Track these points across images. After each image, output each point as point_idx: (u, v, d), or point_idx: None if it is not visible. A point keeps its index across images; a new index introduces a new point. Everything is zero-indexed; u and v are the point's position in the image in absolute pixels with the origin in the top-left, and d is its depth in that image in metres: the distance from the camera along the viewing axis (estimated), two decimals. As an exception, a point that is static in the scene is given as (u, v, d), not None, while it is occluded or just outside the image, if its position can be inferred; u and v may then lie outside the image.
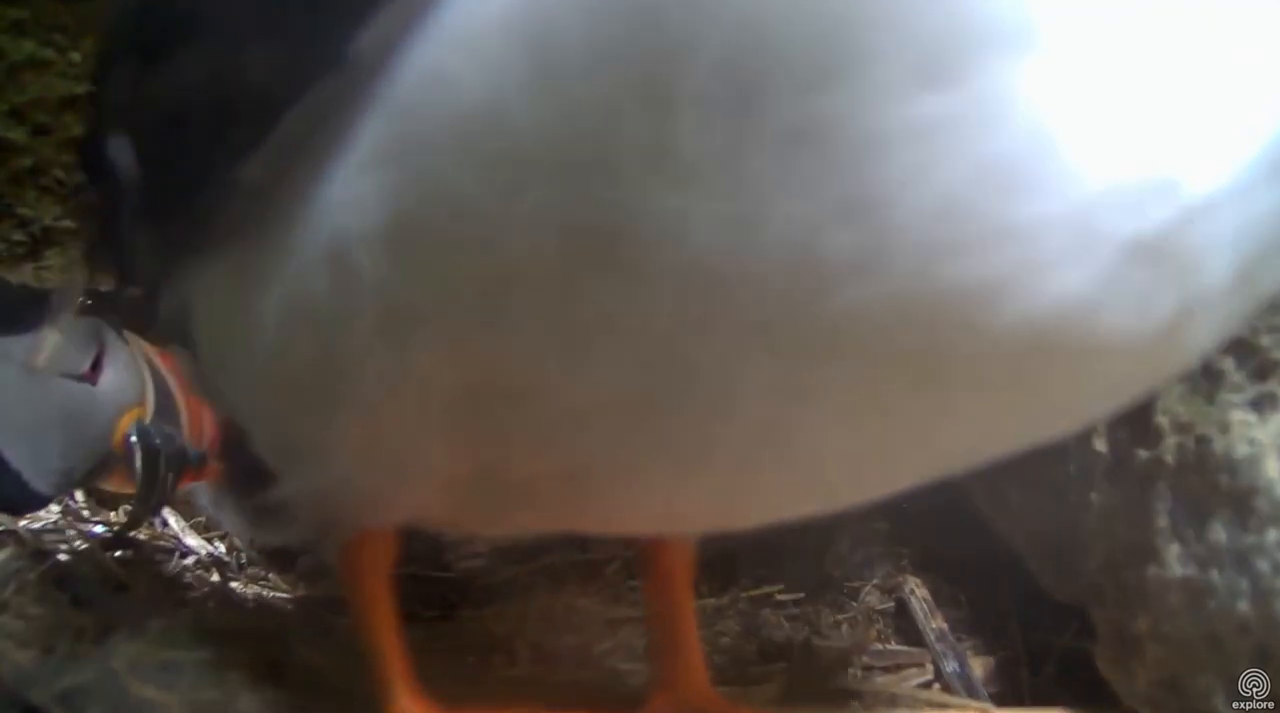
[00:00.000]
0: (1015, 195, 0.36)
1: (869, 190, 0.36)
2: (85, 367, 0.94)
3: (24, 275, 1.16)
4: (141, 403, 0.96)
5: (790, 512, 0.56)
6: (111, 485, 0.99)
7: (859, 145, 0.35)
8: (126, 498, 1.04)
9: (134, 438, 0.91)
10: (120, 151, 0.53)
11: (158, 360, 1.00)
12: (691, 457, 0.46)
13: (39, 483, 0.91)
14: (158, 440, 0.91)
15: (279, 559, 0.99)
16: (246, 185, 0.44)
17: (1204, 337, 0.43)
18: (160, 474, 0.90)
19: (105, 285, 1.00)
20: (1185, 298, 0.40)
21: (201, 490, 1.04)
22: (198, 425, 0.98)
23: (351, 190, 0.41)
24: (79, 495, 1.08)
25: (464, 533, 0.91)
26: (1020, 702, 0.81)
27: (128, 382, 0.96)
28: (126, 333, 1.00)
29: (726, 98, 0.35)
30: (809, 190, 0.36)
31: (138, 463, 0.90)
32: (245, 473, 0.98)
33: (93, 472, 0.95)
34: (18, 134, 1.13)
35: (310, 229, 0.43)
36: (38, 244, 1.17)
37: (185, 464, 0.93)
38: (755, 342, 0.40)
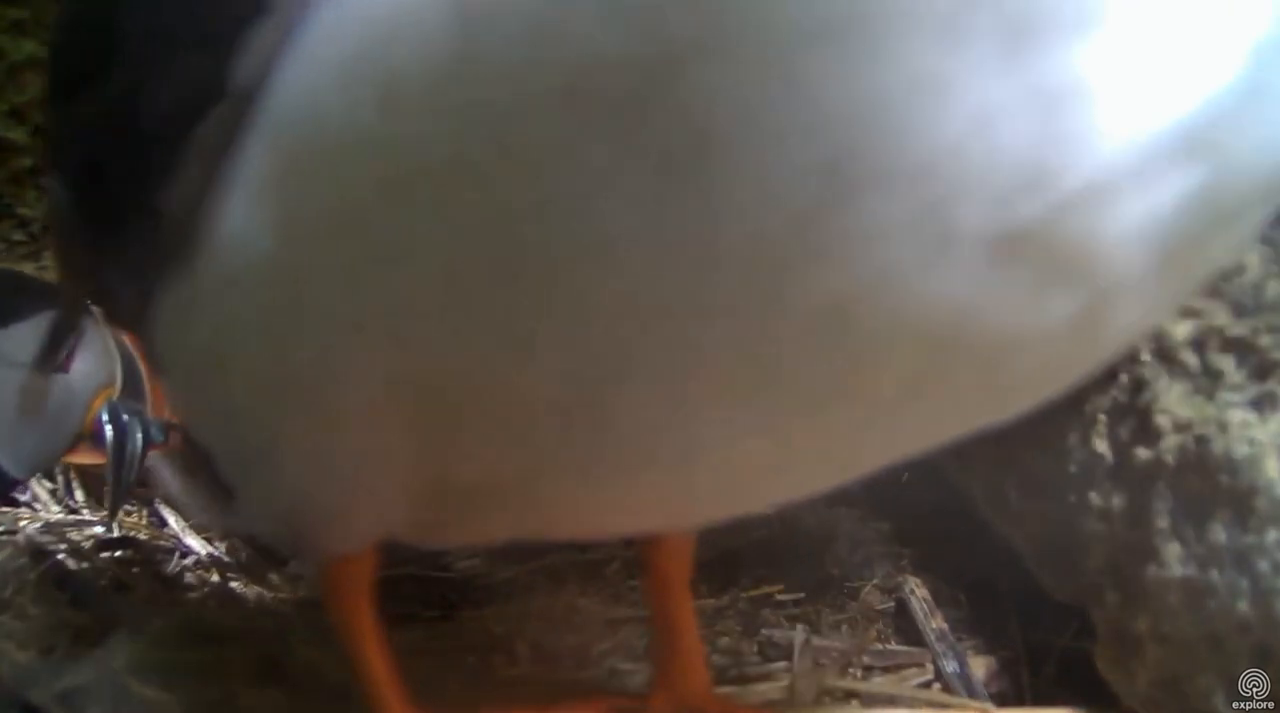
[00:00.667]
0: (858, 197, 0.34)
1: (723, 203, 0.35)
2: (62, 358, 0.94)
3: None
4: (111, 383, 0.97)
5: (728, 510, 0.56)
6: (76, 458, 1.00)
7: (701, 157, 0.34)
8: (127, 498, 1.04)
9: (105, 418, 0.91)
10: (59, 190, 0.55)
11: (125, 338, 1.00)
12: (637, 455, 0.46)
13: (15, 469, 0.92)
14: (126, 418, 0.91)
15: (276, 557, 0.99)
16: (170, 213, 0.46)
17: (1129, 322, 0.42)
18: (129, 453, 0.91)
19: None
20: (1090, 289, 0.38)
21: (170, 479, 1.04)
22: (162, 398, 0.99)
23: (247, 218, 0.43)
24: (79, 495, 1.08)
25: (436, 544, 0.91)
26: (1020, 702, 0.81)
27: (100, 364, 0.98)
28: (95, 310, 1.01)
29: (571, 99, 0.35)
30: (681, 201, 0.35)
31: (108, 443, 0.90)
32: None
33: (60, 455, 0.95)
34: (18, 134, 1.13)
35: (220, 253, 0.44)
36: (38, 244, 1.18)
37: (150, 438, 0.94)
38: (674, 353, 0.40)
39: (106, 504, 0.97)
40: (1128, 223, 0.37)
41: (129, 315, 0.57)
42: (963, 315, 0.38)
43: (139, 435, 0.91)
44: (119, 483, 0.90)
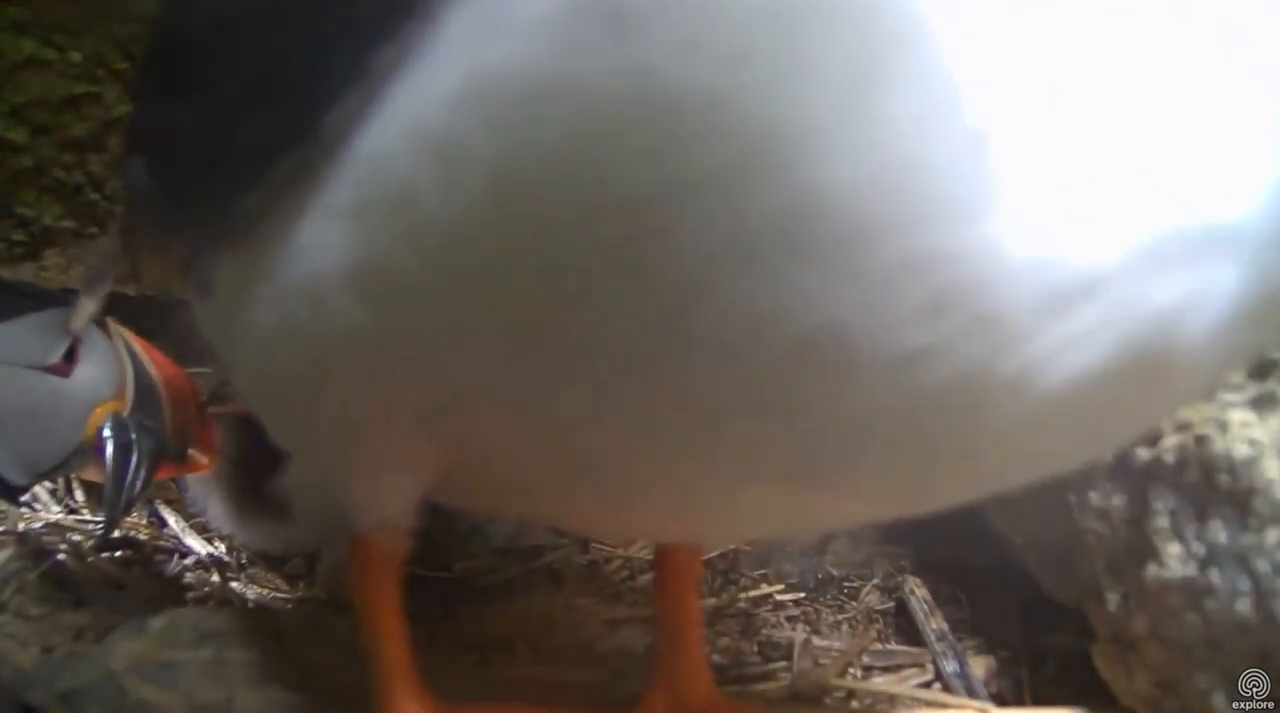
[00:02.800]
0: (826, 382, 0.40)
1: (689, 339, 0.41)
2: (56, 358, 0.92)
3: (24, 276, 1.16)
4: (120, 396, 0.95)
5: (737, 534, 0.59)
6: (89, 475, 0.98)
7: (675, 304, 0.40)
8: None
9: (106, 433, 0.90)
10: (140, 171, 0.59)
11: (141, 351, 0.99)
12: (645, 473, 0.50)
13: (9, 473, 0.90)
14: (133, 435, 0.90)
15: (272, 560, 0.99)
16: (245, 212, 0.50)
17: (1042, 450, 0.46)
18: (131, 470, 0.90)
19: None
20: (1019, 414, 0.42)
21: (191, 484, 1.04)
22: (182, 419, 0.97)
23: (318, 239, 0.47)
24: (79, 495, 1.08)
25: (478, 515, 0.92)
26: (1020, 702, 0.81)
27: (105, 375, 0.95)
28: (111, 324, 1.00)
29: (578, 228, 0.40)
30: (645, 327, 0.41)
31: (108, 458, 0.89)
32: (245, 470, 0.98)
33: (65, 463, 0.94)
34: (18, 134, 1.13)
35: (292, 262, 0.48)
36: (38, 244, 1.17)
37: (161, 457, 0.93)
38: (655, 418, 0.45)
39: (104, 518, 0.97)
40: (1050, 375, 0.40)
41: (198, 278, 0.60)
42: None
43: (143, 452, 0.90)
44: (114, 500, 0.89)
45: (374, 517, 0.58)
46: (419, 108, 0.42)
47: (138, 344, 0.98)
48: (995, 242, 0.37)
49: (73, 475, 1.08)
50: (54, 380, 0.91)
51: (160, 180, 0.58)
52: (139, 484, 0.89)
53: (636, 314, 0.41)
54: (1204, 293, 0.39)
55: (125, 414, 0.91)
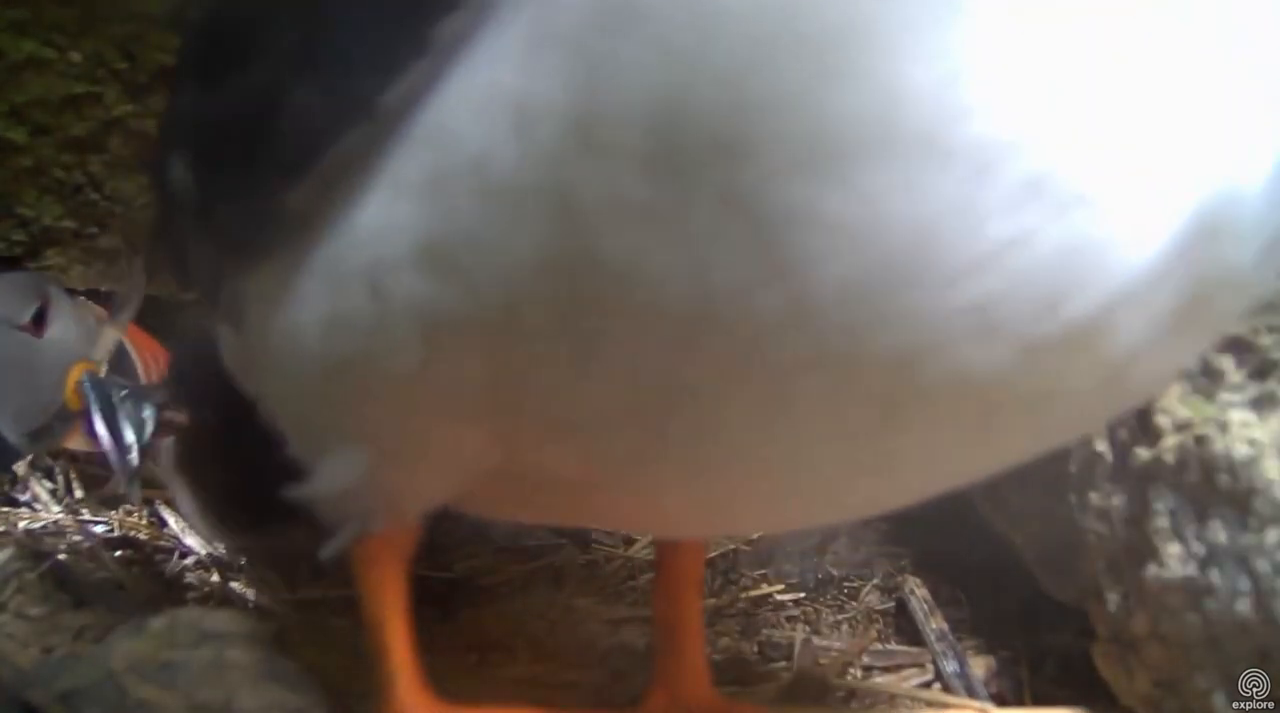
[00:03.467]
0: (909, 287, 0.40)
1: (785, 262, 0.40)
2: (25, 319, 0.93)
3: (23, 276, 1.16)
4: (93, 358, 0.96)
5: (779, 524, 0.62)
6: (72, 444, 0.98)
7: (771, 220, 0.39)
8: (126, 498, 1.04)
9: (87, 387, 0.90)
10: (180, 170, 0.58)
11: (132, 338, 1.00)
12: (689, 469, 0.50)
13: (6, 431, 0.91)
14: (123, 393, 0.90)
15: (275, 565, 0.99)
16: (293, 206, 0.49)
17: (1153, 376, 0.47)
18: (121, 419, 0.90)
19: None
20: (1109, 360, 0.43)
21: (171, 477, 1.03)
22: (154, 378, 0.98)
23: (383, 219, 0.46)
24: (79, 495, 1.08)
25: (488, 517, 0.92)
26: (1020, 702, 0.81)
27: (76, 335, 0.97)
28: (80, 298, 1.01)
29: (662, 160, 0.39)
30: (739, 251, 0.40)
31: (94, 409, 0.89)
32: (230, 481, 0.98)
33: (51, 428, 0.94)
34: (18, 134, 1.13)
35: (349, 249, 0.48)
36: (38, 244, 1.17)
37: (147, 409, 0.92)
38: (727, 373, 0.44)
39: (116, 483, 0.96)
40: (1140, 313, 0.42)
41: (211, 277, 0.60)
42: (999, 380, 0.43)
43: (141, 406, 0.90)
44: (121, 452, 0.89)
45: (403, 512, 0.58)
46: (488, 68, 0.42)
47: (127, 333, 0.99)
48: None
49: (71, 477, 1.08)
50: (27, 337, 0.92)
51: (203, 178, 0.56)
52: (142, 438, 0.88)
53: (725, 242, 0.40)
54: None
55: (101, 375, 0.92)
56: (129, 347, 0.99)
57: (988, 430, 0.47)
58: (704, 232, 0.40)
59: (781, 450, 0.48)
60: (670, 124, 0.39)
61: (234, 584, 0.94)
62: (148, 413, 0.90)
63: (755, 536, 0.97)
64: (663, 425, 0.47)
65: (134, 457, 0.87)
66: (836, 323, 0.41)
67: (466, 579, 0.94)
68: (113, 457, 0.87)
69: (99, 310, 1.01)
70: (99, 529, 1.00)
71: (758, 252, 0.40)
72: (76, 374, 0.92)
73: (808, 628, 0.90)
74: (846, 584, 0.94)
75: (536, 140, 0.41)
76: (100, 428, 0.88)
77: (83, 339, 0.97)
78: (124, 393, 0.89)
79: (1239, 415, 0.65)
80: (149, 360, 1.01)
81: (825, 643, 0.87)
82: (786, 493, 0.53)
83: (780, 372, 0.44)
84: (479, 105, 0.42)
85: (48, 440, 0.99)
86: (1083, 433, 0.54)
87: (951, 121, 0.38)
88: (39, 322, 0.94)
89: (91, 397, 0.89)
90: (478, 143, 0.42)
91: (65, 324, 0.97)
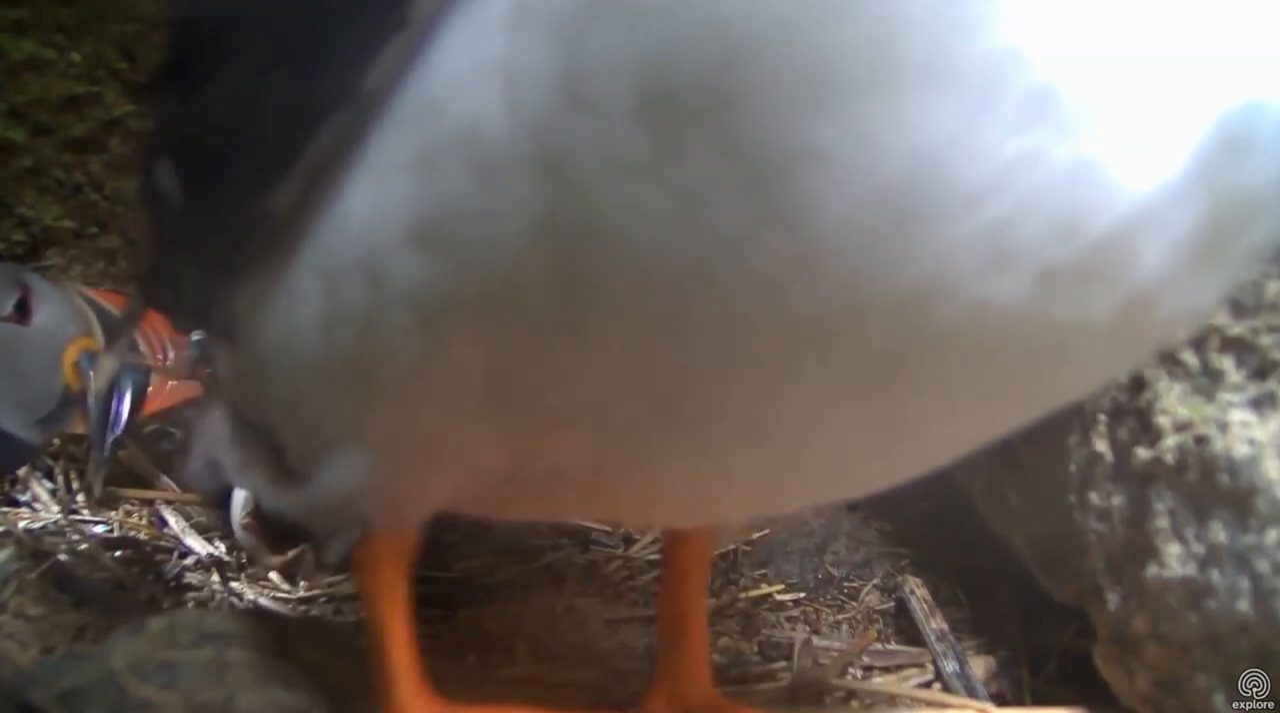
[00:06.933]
0: (916, 219, 0.39)
1: (786, 206, 0.39)
2: (7, 310, 0.93)
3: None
4: (88, 335, 0.96)
5: (788, 503, 0.61)
6: (80, 429, 0.98)
7: (768, 163, 0.38)
8: (127, 499, 1.04)
9: (86, 366, 0.90)
10: (165, 178, 0.57)
11: (98, 297, 0.99)
12: (697, 445, 0.49)
13: (13, 427, 0.90)
14: (115, 367, 0.90)
15: (280, 549, 0.98)
16: (282, 206, 0.49)
17: (1172, 316, 0.45)
18: (116, 397, 0.89)
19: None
20: (1130, 291, 0.41)
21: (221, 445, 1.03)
22: (159, 349, 0.98)
23: (374, 206, 0.46)
24: (79, 496, 1.08)
25: (488, 519, 0.92)
26: (1020, 702, 0.81)
27: (66, 319, 0.96)
28: (65, 282, 1.00)
29: (653, 111, 0.39)
30: (736, 199, 0.39)
31: (91, 387, 0.89)
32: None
33: (59, 414, 0.94)
34: (18, 134, 1.13)
35: (342, 242, 0.48)
36: (38, 244, 1.17)
37: (145, 388, 0.92)
38: (732, 337, 0.43)
39: (90, 468, 0.96)
40: (1159, 238, 0.40)
41: (202, 299, 0.60)
42: (1018, 316, 0.41)
43: (128, 384, 0.89)
44: (101, 430, 0.88)
45: (405, 516, 0.57)
46: (469, 40, 0.42)
47: (92, 293, 0.98)
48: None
49: (71, 477, 1.08)
50: (14, 327, 0.92)
51: (189, 186, 0.56)
52: (122, 415, 0.88)
53: (721, 191, 0.39)
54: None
55: (100, 352, 0.92)
56: (119, 317, 0.99)
57: (1006, 382, 0.45)
58: (699, 182, 0.39)
59: (792, 420, 0.46)
60: (658, 74, 0.38)
61: (234, 584, 0.94)
62: (140, 386, 0.90)
63: (768, 518, 0.96)
64: (665, 403, 0.46)
65: (118, 430, 0.87)
66: (841, 270, 0.40)
67: (466, 579, 0.94)
68: (94, 438, 0.87)
69: (81, 287, 1.00)
70: (99, 529, 0.99)
71: (755, 198, 0.39)
72: (73, 354, 0.92)
73: (808, 628, 0.90)
74: (846, 584, 0.94)
75: (525, 108, 0.41)
76: (92, 408, 0.87)
77: (74, 319, 0.96)
78: (124, 369, 0.89)
79: (1239, 415, 0.65)
80: (153, 337, 1.00)
81: (825, 643, 0.87)
82: (799, 467, 0.51)
83: (785, 333, 0.42)
84: (463, 78, 0.42)
85: (58, 426, 0.99)
86: (1101, 383, 0.52)
87: (949, 38, 0.36)
88: (23, 311, 0.94)
89: (90, 375, 0.89)
90: (465, 116, 0.42)
91: (52, 308, 0.96)
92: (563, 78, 0.40)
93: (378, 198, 0.46)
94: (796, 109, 0.37)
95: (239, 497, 0.95)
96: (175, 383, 1.00)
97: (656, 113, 0.39)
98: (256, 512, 0.93)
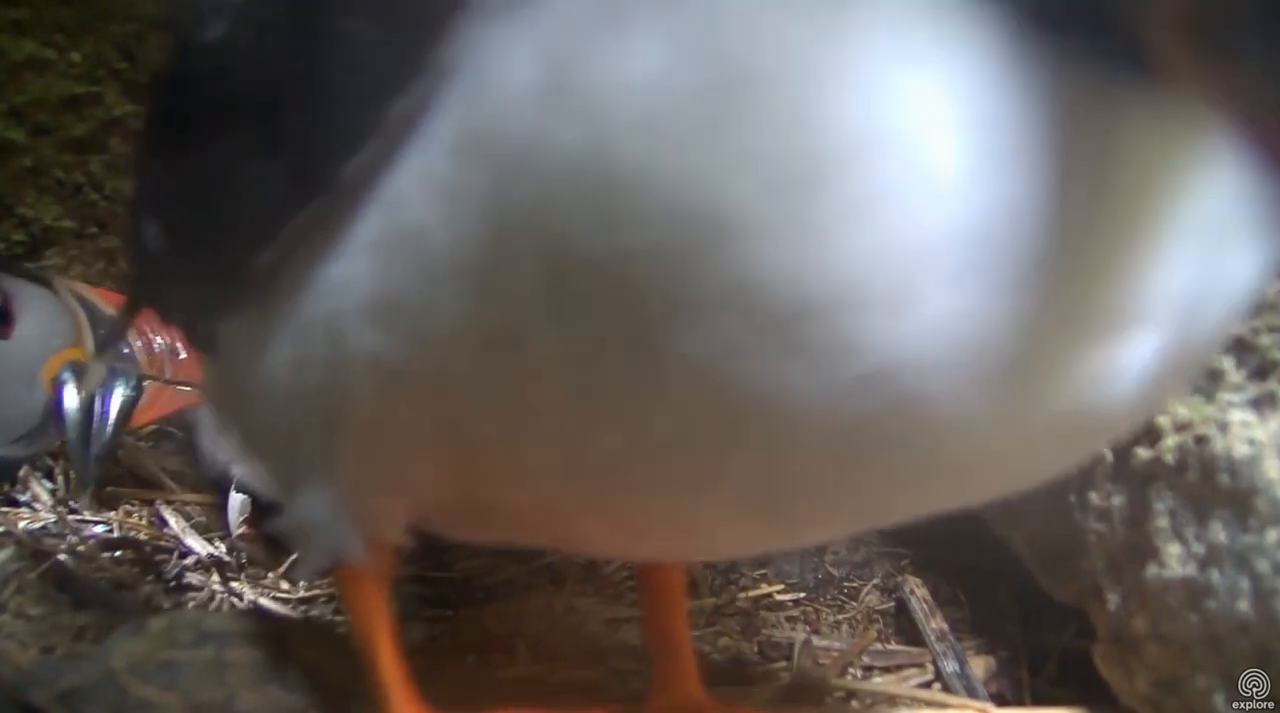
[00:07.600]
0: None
1: (645, 394, 0.44)
2: None
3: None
4: (76, 345, 0.93)
5: (746, 548, 0.66)
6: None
7: (638, 355, 0.43)
8: (127, 499, 1.04)
9: (65, 376, 0.87)
10: (152, 233, 0.61)
11: (94, 296, 0.97)
12: (646, 493, 0.51)
13: None
14: (108, 378, 0.87)
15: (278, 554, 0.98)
16: (260, 265, 0.52)
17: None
18: (94, 414, 0.87)
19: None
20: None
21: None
22: (157, 356, 0.95)
23: (339, 275, 0.49)
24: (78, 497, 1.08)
25: (461, 538, 0.92)
26: (1020, 702, 0.81)
27: (50, 330, 0.92)
28: (57, 277, 0.98)
29: (553, 291, 0.43)
30: (621, 379, 0.44)
31: (66, 404, 0.86)
32: None
33: (44, 426, 0.90)
34: (18, 134, 1.13)
35: (310, 302, 0.51)
36: (38, 244, 1.17)
37: (137, 398, 0.90)
38: (668, 409, 0.45)
39: (75, 482, 0.91)
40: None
41: (187, 320, 0.64)
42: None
43: (115, 395, 0.87)
44: (85, 448, 0.86)
45: (379, 538, 0.59)
46: (427, 156, 0.45)
47: (89, 291, 0.95)
48: (917, 334, 0.39)
49: (71, 477, 1.08)
50: None
51: (173, 242, 0.60)
52: (107, 427, 0.86)
53: (611, 343, 0.43)
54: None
55: (88, 358, 0.88)
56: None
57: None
58: (590, 350, 0.43)
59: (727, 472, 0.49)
60: (553, 263, 0.42)
61: (234, 584, 0.94)
62: (130, 398, 0.88)
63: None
64: (597, 483, 0.50)
65: (105, 439, 0.85)
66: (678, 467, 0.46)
67: (466, 579, 0.94)
68: (72, 454, 0.85)
69: (78, 285, 0.98)
70: (99, 529, 0.99)
71: (632, 379, 0.43)
72: (53, 367, 0.89)
73: (808, 628, 0.90)
74: (846, 584, 0.94)
75: (463, 227, 0.44)
76: (66, 421, 0.85)
77: (59, 329, 0.93)
78: (104, 375, 0.86)
79: (1239, 415, 0.65)
80: (153, 340, 0.98)
81: (825, 643, 0.87)
82: (748, 538, 0.56)
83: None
84: (419, 184, 0.46)
85: (41, 442, 0.97)
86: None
87: (800, 315, 0.39)
88: (4, 321, 0.91)
89: (63, 390, 0.86)
90: (418, 216, 0.46)
91: (37, 318, 0.93)
92: (492, 221, 0.43)
93: (343, 269, 0.49)
94: (665, 322, 0.41)
95: (235, 503, 0.95)
96: (174, 390, 0.99)
97: (555, 292, 0.43)
98: (252, 519, 0.92)
